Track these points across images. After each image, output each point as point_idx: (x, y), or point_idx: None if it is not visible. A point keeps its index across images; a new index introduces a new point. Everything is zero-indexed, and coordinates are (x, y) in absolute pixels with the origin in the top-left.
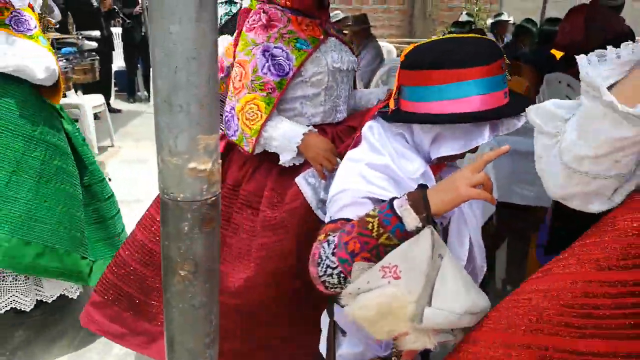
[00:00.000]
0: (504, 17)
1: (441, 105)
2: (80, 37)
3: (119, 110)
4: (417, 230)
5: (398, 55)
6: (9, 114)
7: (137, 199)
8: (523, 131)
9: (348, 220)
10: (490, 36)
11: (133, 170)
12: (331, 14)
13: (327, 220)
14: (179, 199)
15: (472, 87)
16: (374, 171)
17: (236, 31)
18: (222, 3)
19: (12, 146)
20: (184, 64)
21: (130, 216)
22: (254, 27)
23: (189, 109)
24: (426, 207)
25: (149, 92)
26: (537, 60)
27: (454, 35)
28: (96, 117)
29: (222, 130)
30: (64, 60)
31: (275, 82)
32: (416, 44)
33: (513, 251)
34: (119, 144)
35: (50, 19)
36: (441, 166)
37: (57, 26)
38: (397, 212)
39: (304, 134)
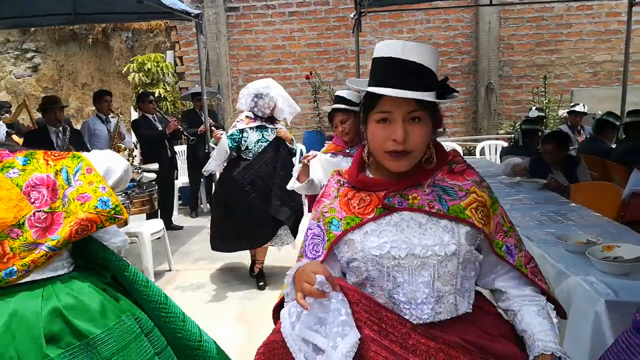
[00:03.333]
0: (579, 108)
1: None
2: (140, 171)
3: (180, 228)
4: None
5: (465, 154)
6: None
7: None
8: None
9: None
10: (564, 129)
11: (187, 298)
12: None
13: None
14: None
15: None
16: None
17: None
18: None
19: None
20: None
21: None
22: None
23: None
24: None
25: (211, 205)
26: (628, 157)
27: None
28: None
29: None
30: (123, 195)
31: None
32: None
33: None
34: (176, 267)
35: (121, 144)
36: None
37: (127, 152)
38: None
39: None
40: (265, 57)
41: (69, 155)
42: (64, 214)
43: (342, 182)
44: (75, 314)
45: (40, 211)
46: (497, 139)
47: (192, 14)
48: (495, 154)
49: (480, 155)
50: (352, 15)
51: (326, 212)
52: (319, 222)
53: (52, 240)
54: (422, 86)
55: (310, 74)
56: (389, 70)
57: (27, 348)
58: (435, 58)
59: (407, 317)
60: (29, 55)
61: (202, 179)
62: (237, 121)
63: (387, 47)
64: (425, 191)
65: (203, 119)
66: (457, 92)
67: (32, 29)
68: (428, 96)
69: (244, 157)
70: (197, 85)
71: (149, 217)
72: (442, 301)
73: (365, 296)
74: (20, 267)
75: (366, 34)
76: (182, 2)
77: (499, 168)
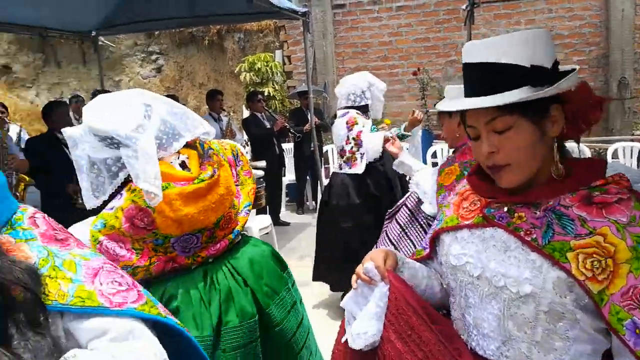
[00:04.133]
0: None
1: None
2: None
3: (287, 224)
4: None
5: (593, 157)
6: None
7: None
8: None
9: None
10: None
11: None
12: None
13: None
14: None
15: None
16: None
17: None
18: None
19: None
20: None
21: None
22: None
23: None
24: None
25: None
26: None
27: None
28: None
29: None
30: None
31: (416, 250)
32: None
33: None
34: None
35: (232, 142)
36: None
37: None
38: None
39: None
40: (372, 54)
41: (226, 141)
42: (240, 186)
43: None
44: (278, 255)
45: (237, 185)
46: (632, 140)
47: (299, 13)
48: (631, 157)
49: (613, 158)
50: (464, 7)
51: (444, 205)
52: (441, 209)
53: (247, 205)
54: (498, 87)
55: (418, 70)
56: (464, 79)
57: (274, 282)
58: (516, 45)
59: (474, 344)
60: (153, 57)
61: (308, 176)
62: (353, 117)
63: (463, 52)
64: (535, 213)
65: (309, 117)
66: (566, 73)
67: (157, 32)
68: (498, 98)
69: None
70: (304, 84)
71: (258, 212)
72: (512, 345)
73: (406, 300)
74: (240, 228)
75: (479, 27)
76: (290, 1)
77: (638, 174)
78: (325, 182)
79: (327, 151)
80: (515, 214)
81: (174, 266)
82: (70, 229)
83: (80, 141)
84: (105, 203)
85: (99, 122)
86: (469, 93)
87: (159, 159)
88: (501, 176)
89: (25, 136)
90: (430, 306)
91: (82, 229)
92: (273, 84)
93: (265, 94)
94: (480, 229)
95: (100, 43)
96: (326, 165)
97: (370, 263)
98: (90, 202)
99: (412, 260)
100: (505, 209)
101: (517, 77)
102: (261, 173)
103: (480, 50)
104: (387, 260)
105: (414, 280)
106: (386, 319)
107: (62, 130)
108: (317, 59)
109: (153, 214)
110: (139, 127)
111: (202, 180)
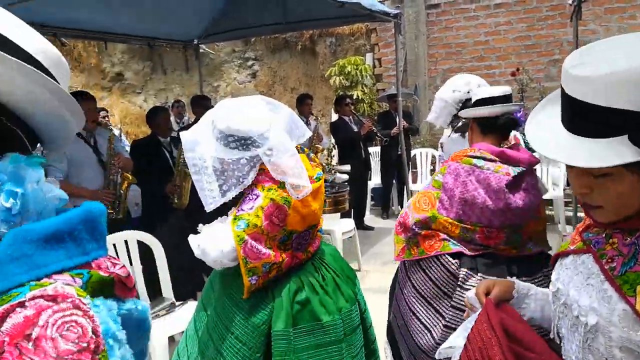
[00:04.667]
0: None
1: None
2: (333, 171)
3: (371, 228)
4: None
5: None
6: None
7: None
8: None
9: None
10: None
11: (376, 303)
12: None
13: None
14: None
15: None
16: None
17: None
18: None
19: None
20: None
21: None
22: None
23: None
24: None
25: (402, 207)
26: None
27: None
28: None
29: None
30: None
31: None
32: None
33: None
34: (366, 268)
35: (318, 145)
36: None
37: (324, 153)
38: None
39: None
40: (466, 55)
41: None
42: None
43: None
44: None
45: None
46: None
47: (391, 14)
48: None
49: None
50: (570, 2)
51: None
52: None
53: None
54: (589, 130)
55: (517, 70)
56: (561, 101)
57: (351, 274)
58: (623, 84)
59: None
60: (249, 63)
61: (394, 181)
62: None
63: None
64: (627, 240)
65: (397, 121)
66: None
67: (252, 39)
68: (595, 160)
69: None
70: (393, 87)
71: (342, 216)
72: None
73: (490, 322)
74: (321, 227)
75: (588, 23)
76: (383, 3)
77: None
78: (413, 187)
79: (414, 155)
80: (610, 240)
81: (296, 262)
82: (210, 226)
83: (202, 143)
84: (195, 204)
85: (239, 123)
86: (564, 119)
87: None
88: (593, 213)
89: (123, 138)
90: (532, 336)
91: (222, 228)
92: (362, 87)
93: (354, 97)
94: (579, 255)
95: (201, 51)
96: (413, 170)
97: (472, 291)
98: (212, 202)
99: (548, 293)
100: (604, 235)
101: (619, 124)
102: (345, 177)
103: (578, 80)
104: (494, 290)
105: (543, 312)
106: (467, 338)
107: (181, 134)
108: (409, 60)
109: (288, 210)
110: (273, 128)
111: (319, 179)
